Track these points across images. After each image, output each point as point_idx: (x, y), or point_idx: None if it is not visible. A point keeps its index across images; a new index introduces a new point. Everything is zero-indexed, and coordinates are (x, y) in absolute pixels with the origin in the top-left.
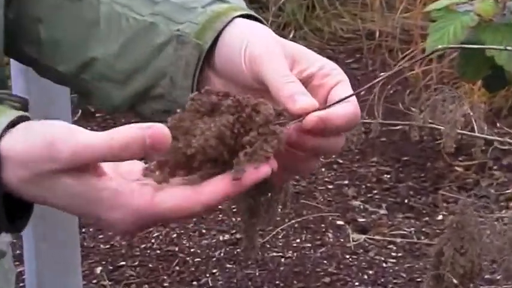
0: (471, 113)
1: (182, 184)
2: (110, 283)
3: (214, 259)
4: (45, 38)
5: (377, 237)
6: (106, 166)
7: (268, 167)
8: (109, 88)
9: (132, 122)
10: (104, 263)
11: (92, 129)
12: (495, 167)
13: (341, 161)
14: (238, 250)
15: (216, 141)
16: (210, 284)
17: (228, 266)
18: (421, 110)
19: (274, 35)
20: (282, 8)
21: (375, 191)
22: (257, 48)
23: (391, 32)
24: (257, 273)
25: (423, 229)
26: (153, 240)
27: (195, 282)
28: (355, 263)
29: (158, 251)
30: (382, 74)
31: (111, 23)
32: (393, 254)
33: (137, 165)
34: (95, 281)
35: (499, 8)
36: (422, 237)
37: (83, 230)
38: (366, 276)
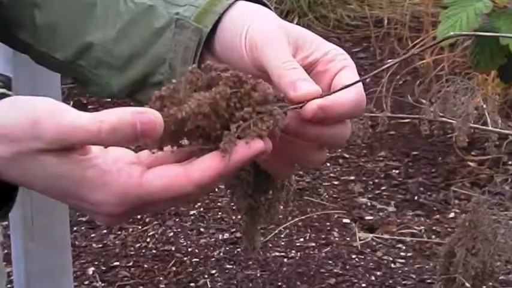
0: (484, 106)
1: (172, 163)
2: (102, 284)
3: (213, 259)
4: (41, 23)
5: (385, 236)
6: (94, 146)
7: (261, 144)
8: (107, 74)
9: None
10: (96, 263)
11: None
12: (510, 162)
13: (347, 156)
14: (238, 250)
15: (209, 109)
16: (209, 286)
17: (228, 266)
18: (431, 102)
19: (278, 18)
20: None
21: (383, 187)
22: (258, 32)
23: (401, 19)
24: (258, 274)
25: (434, 227)
26: (148, 239)
27: (192, 284)
28: (362, 263)
29: (154, 251)
30: (389, 61)
31: (109, 7)
32: (402, 253)
33: (127, 153)
34: (86, 283)
35: None
36: (433, 236)
37: (75, 228)
38: (373, 278)
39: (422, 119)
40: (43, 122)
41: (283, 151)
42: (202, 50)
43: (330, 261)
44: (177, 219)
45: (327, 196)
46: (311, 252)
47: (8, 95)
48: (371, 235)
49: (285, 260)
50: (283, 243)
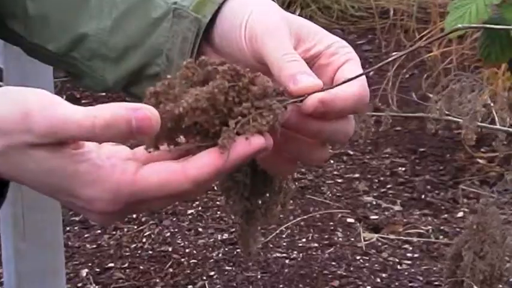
0: (491, 104)
1: (169, 159)
2: (96, 287)
3: (211, 260)
4: (33, 13)
5: (391, 236)
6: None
7: (261, 140)
8: (101, 67)
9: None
10: (90, 264)
11: None
12: None
13: (351, 152)
14: (238, 250)
15: (207, 103)
16: None
17: (227, 268)
18: (439, 98)
19: (279, 9)
20: None
21: (389, 186)
22: (259, 23)
23: (407, 10)
24: (259, 276)
25: (442, 227)
26: (144, 240)
27: (190, 286)
28: (367, 264)
29: (150, 252)
30: (395, 53)
31: None
32: (409, 254)
33: (122, 149)
34: (80, 285)
35: None
36: (441, 237)
37: (67, 228)
38: (378, 280)
39: (428, 118)
40: (34, 114)
41: (284, 148)
42: (201, 41)
43: (334, 263)
44: (174, 219)
45: (330, 195)
46: (314, 253)
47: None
48: (376, 235)
49: (287, 261)
50: (284, 243)
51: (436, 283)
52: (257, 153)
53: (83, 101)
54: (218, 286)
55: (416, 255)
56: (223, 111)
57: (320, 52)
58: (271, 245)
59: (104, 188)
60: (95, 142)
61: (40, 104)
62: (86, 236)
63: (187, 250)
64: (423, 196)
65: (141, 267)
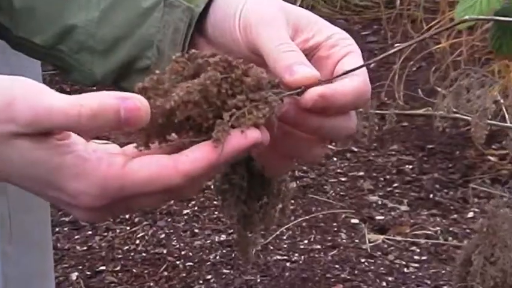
0: (502, 100)
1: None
2: None
3: (208, 263)
4: (19, 5)
5: (397, 237)
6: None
7: (257, 133)
8: (89, 60)
9: None
10: (80, 267)
11: None
12: None
13: (356, 149)
14: (236, 253)
15: (199, 96)
16: None
17: (225, 271)
18: (448, 92)
19: None
20: None
21: (395, 184)
22: (253, 12)
23: None
24: (258, 280)
25: (451, 228)
26: (137, 241)
27: None
28: (372, 267)
29: (144, 254)
30: (397, 45)
31: None
32: (416, 257)
33: (110, 146)
34: None
35: None
36: (450, 238)
37: (57, 229)
38: (384, 283)
39: (435, 115)
40: (19, 103)
41: (281, 143)
42: (193, 32)
43: (337, 266)
44: (169, 219)
45: (333, 194)
46: (316, 255)
47: None
48: (382, 237)
49: (288, 264)
50: (285, 245)
51: (445, 287)
52: (253, 147)
53: (73, 95)
54: None
55: (424, 257)
56: (216, 104)
57: (319, 43)
58: (271, 247)
59: (90, 182)
60: (81, 132)
61: (25, 93)
62: (76, 237)
63: (182, 252)
64: (431, 195)
65: (134, 270)
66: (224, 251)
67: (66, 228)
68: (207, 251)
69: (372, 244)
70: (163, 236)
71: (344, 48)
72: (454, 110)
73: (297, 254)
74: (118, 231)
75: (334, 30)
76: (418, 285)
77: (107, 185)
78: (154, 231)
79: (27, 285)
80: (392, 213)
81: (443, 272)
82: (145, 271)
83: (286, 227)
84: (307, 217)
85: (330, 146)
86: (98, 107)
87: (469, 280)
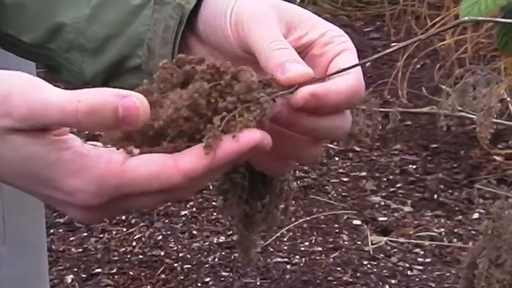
0: (508, 98)
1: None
2: None
3: (207, 265)
4: (9, 2)
5: (401, 239)
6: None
7: (252, 136)
8: (79, 59)
9: None
10: (75, 270)
11: None
12: None
13: (358, 149)
14: (235, 255)
15: (188, 111)
16: None
17: (224, 273)
18: (452, 90)
19: None
20: None
21: (399, 185)
22: (245, 9)
23: None
24: (258, 283)
25: (456, 230)
26: (134, 243)
27: None
28: (375, 270)
29: (140, 256)
30: (394, 44)
31: None
32: (420, 259)
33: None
34: None
35: None
36: (455, 240)
37: (51, 230)
38: (387, 286)
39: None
40: (15, 97)
41: (274, 144)
42: (185, 30)
43: (339, 268)
44: (166, 221)
45: (335, 194)
46: (317, 257)
47: None
48: (385, 238)
49: (288, 266)
50: (285, 247)
51: None
52: (251, 150)
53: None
54: None
55: (428, 259)
56: (207, 114)
57: (313, 41)
58: (271, 249)
59: (87, 178)
60: (78, 129)
61: (22, 87)
62: (71, 239)
63: (180, 254)
64: (436, 196)
65: (131, 272)
66: (223, 253)
67: (61, 230)
68: (206, 253)
69: (374, 246)
70: (160, 237)
71: (338, 46)
72: (459, 108)
73: (297, 256)
74: (114, 232)
75: (329, 27)
76: None
77: (105, 182)
78: (151, 233)
79: None
80: (396, 214)
81: (448, 274)
82: (142, 274)
83: (286, 228)
84: (308, 218)
85: (331, 146)
86: (96, 103)
87: (476, 283)
